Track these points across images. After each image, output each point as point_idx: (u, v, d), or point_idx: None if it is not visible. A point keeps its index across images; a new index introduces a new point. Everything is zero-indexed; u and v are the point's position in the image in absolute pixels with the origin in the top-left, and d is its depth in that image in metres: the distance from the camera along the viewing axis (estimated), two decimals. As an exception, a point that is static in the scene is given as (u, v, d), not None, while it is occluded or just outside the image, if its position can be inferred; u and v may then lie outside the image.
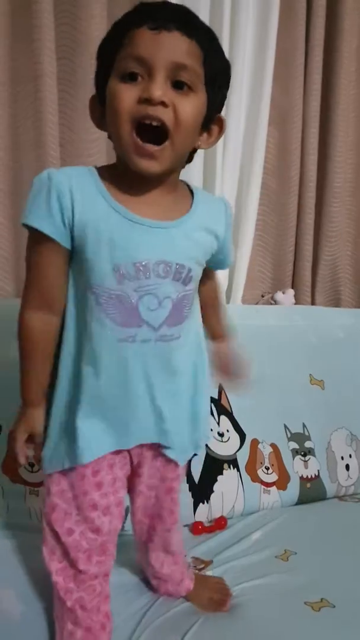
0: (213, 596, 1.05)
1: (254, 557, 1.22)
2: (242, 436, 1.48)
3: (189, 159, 0.85)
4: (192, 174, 1.52)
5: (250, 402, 1.50)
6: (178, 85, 0.72)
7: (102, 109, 0.78)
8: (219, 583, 1.10)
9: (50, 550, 0.90)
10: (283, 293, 1.85)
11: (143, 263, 0.76)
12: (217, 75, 0.77)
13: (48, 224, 0.74)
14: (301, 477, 1.53)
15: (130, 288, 0.76)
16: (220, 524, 1.35)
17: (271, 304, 1.84)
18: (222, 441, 1.44)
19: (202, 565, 1.18)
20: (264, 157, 1.76)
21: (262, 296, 1.89)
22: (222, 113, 0.85)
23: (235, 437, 1.47)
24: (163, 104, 0.70)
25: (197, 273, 0.85)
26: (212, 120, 0.81)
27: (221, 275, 1.63)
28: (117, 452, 0.89)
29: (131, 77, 0.71)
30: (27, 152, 1.46)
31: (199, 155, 1.48)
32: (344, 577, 1.15)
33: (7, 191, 1.48)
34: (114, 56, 0.73)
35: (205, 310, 0.96)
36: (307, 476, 1.55)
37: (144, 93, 0.70)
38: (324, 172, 1.91)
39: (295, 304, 1.88)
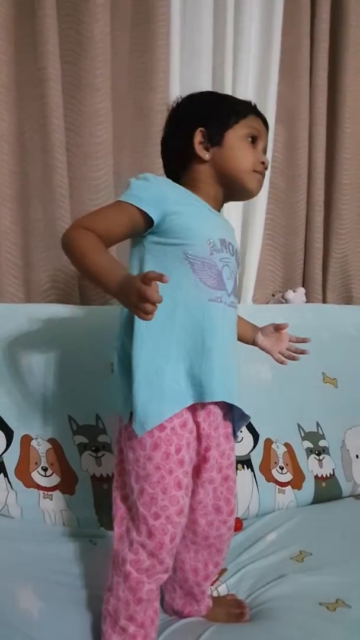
0: (230, 610, 1.07)
1: (269, 559, 1.22)
2: (256, 436, 1.48)
3: None
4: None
5: (263, 402, 1.50)
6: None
7: (205, 140, 1.04)
8: (232, 599, 1.11)
9: (130, 541, 0.91)
10: (294, 292, 1.84)
11: (223, 239, 1.01)
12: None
13: (145, 203, 0.94)
14: (316, 477, 1.52)
15: (217, 258, 0.98)
16: (236, 525, 1.34)
17: (282, 302, 1.83)
18: (235, 441, 1.43)
19: (214, 577, 1.15)
20: (271, 155, 1.75)
21: (273, 295, 1.89)
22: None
23: (248, 437, 1.47)
24: (263, 164, 1.06)
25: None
26: None
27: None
28: (191, 431, 0.95)
29: (252, 141, 1.05)
30: (34, 156, 1.46)
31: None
32: (359, 577, 1.14)
33: (14, 196, 1.48)
34: (237, 119, 1.04)
35: None
36: (322, 475, 1.54)
37: (261, 158, 1.05)
38: (332, 169, 1.90)
39: (307, 302, 1.87)
